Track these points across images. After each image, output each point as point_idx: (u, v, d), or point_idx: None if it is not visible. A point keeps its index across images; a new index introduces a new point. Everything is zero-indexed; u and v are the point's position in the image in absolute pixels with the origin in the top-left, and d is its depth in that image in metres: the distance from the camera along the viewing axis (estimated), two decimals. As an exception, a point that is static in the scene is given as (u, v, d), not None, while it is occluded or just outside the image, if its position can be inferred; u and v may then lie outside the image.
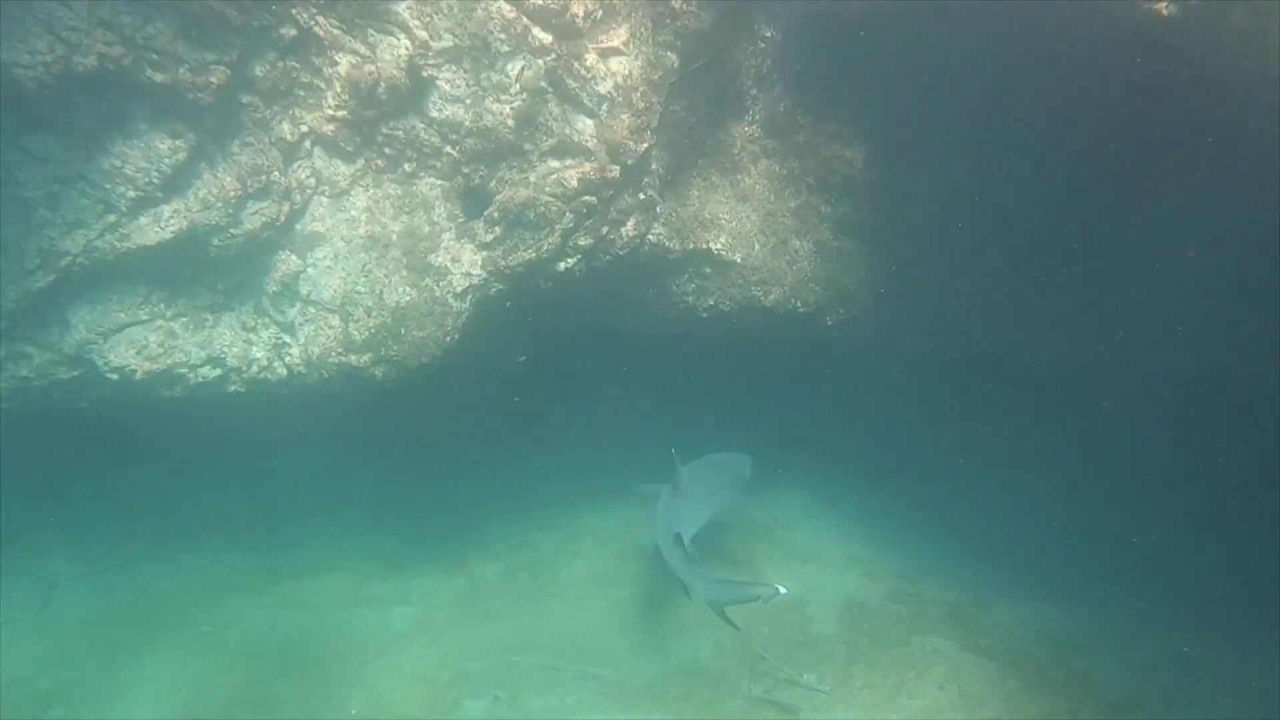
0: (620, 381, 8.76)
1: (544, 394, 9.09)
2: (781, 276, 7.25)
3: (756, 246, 7.18)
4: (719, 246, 7.04)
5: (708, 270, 7.18)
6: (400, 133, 6.53)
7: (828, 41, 6.87)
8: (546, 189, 6.42)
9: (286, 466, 9.57)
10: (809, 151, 7.27)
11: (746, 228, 7.19)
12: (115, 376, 6.52)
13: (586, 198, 6.42)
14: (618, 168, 6.38)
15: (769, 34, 6.96)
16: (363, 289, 6.53)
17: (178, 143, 6.02)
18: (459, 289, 6.62)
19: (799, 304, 7.31)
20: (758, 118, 7.24)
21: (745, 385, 8.87)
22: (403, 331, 6.58)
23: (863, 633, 6.99)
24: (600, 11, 6.24)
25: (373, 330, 6.54)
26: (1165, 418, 7.41)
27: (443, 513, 9.49)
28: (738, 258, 7.11)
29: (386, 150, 6.60)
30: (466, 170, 6.59)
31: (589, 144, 6.38)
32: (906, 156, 7.13)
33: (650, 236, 6.86)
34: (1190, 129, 5.54)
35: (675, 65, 6.46)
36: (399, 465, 9.69)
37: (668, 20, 6.38)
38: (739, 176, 7.29)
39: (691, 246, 7.01)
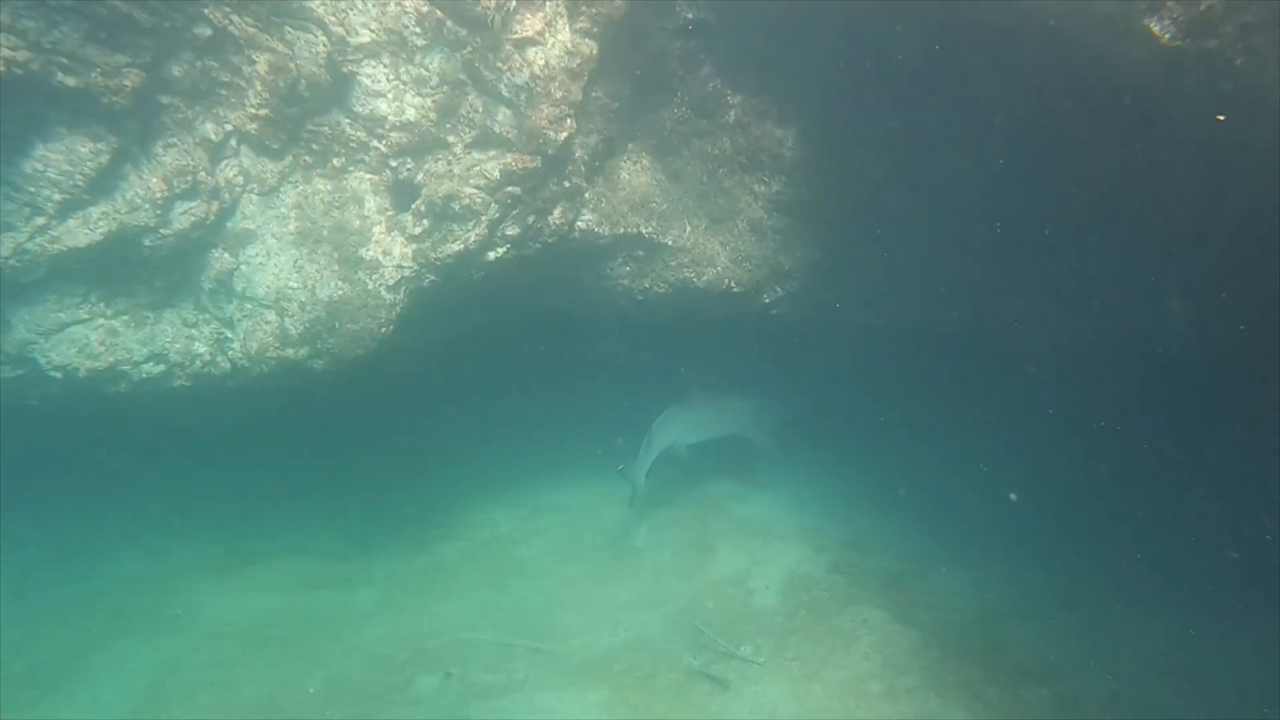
0: (572, 363, 8.88)
1: (498, 377, 9.23)
2: (714, 257, 7.30)
3: (689, 228, 7.22)
4: (649, 230, 7.09)
5: (640, 253, 7.24)
6: (326, 129, 6.59)
7: (751, 20, 6.83)
8: (470, 181, 6.48)
9: (256, 451, 9.80)
10: (740, 131, 7.27)
11: (678, 210, 7.23)
12: (59, 375, 6.68)
13: (510, 188, 6.47)
14: (539, 158, 6.42)
15: (690, 15, 6.92)
16: (295, 284, 6.64)
17: (99, 145, 6.08)
18: (391, 281, 6.71)
19: (733, 284, 7.37)
20: (686, 99, 7.23)
21: (695, 363, 8.96)
22: (337, 325, 6.70)
23: (801, 605, 7.16)
24: (513, 2, 6.23)
25: (308, 325, 6.67)
26: (1092, 382, 7.46)
27: (408, 494, 9.70)
28: (669, 240, 7.16)
29: (314, 146, 6.66)
30: (394, 164, 6.65)
31: (509, 135, 6.42)
32: (839, 132, 7.12)
33: (579, 223, 6.92)
34: (1097, 106, 5.52)
35: (594, 53, 6.45)
36: (366, 448, 9.91)
37: (583, 7, 6.37)
38: (670, 158, 7.31)
39: (622, 231, 7.06)
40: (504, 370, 8.98)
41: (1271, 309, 5.51)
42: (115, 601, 8.58)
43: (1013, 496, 7.16)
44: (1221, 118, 3.84)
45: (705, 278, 7.27)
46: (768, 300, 7.66)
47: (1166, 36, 3.99)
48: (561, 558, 8.50)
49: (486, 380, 8.94)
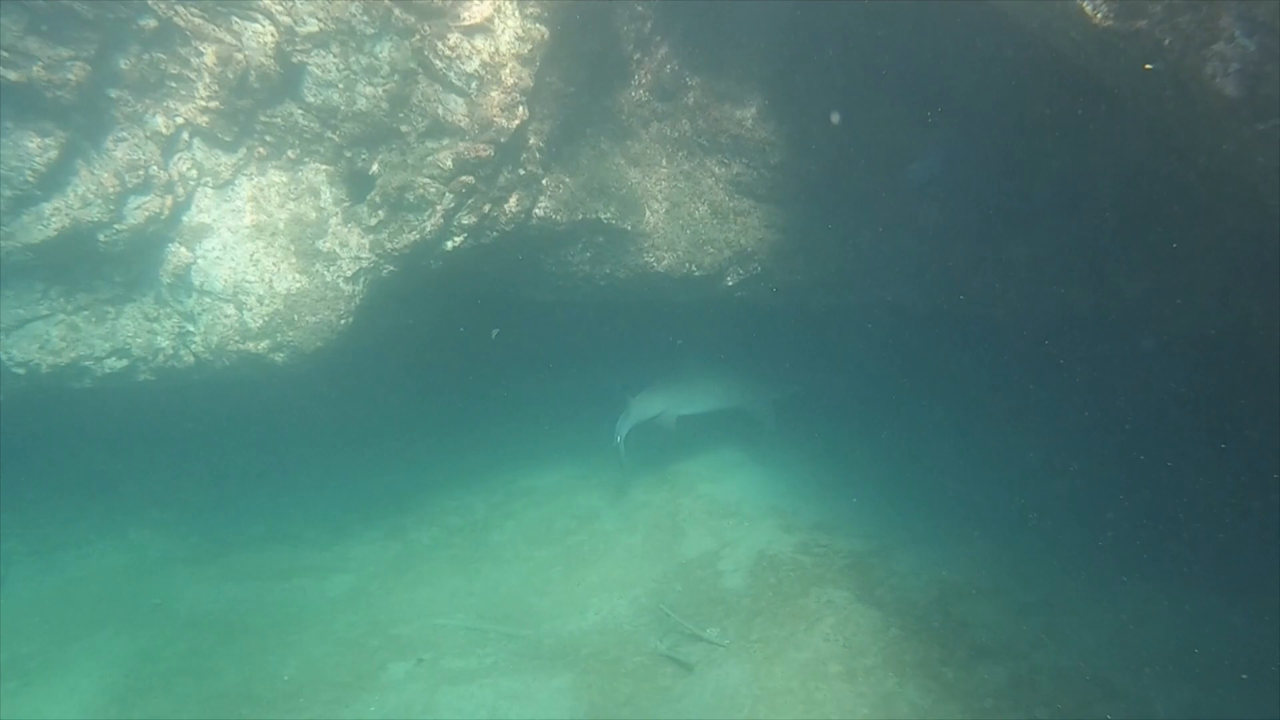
0: (542, 349, 8.88)
1: (469, 364, 9.23)
2: (675, 241, 7.27)
3: (647, 213, 7.19)
4: (608, 216, 7.05)
5: (601, 239, 7.21)
6: (279, 120, 6.54)
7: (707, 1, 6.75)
8: (424, 171, 6.44)
9: (232, 440, 9.85)
10: (700, 112, 7.21)
11: (638, 194, 7.19)
12: (22, 371, 6.70)
13: (464, 177, 6.43)
14: (492, 146, 6.38)
15: (647, -6, 6.84)
16: (253, 278, 6.62)
17: (48, 140, 6.04)
18: (349, 273, 6.70)
19: (694, 268, 7.34)
20: (644, 81, 7.16)
21: (667, 345, 8.96)
22: (296, 318, 6.69)
23: (768, 586, 7.20)
24: (459, -16, 6.15)
25: (267, 318, 6.66)
26: (1053, 361, 7.46)
27: (384, 480, 9.75)
28: (628, 225, 7.12)
29: (268, 138, 6.62)
30: (349, 154, 6.62)
31: (462, 123, 6.37)
32: (797, 113, 7.06)
33: (537, 210, 6.88)
34: (1047, 87, 5.47)
35: (545, 37, 6.38)
36: (342, 436, 9.94)
37: (536, -9, 6.29)
38: (629, 142, 7.25)
39: (580, 217, 7.03)
40: (475, 357, 8.99)
41: (1219, 286, 5.50)
42: (95, 591, 8.67)
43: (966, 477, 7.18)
44: (1149, 66, 3.80)
45: (665, 262, 7.25)
46: (731, 283, 7.64)
47: (1099, 16, 3.94)
48: (533, 542, 8.55)
49: (458, 367, 8.94)
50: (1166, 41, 3.70)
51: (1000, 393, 8.06)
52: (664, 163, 7.30)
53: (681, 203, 7.31)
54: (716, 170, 7.38)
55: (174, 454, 9.68)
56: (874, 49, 6.39)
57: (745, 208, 7.46)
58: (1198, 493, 7.03)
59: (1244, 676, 5.38)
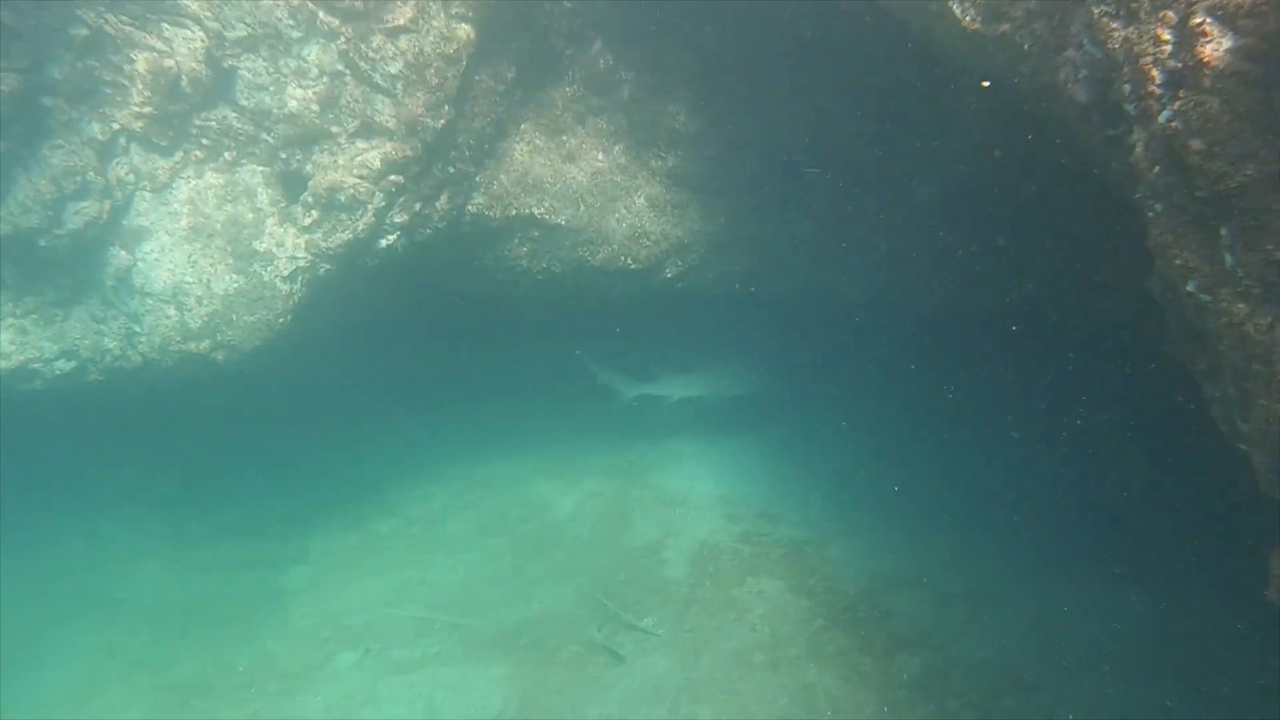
0: (497, 341, 8.97)
1: (428, 358, 9.34)
2: (609, 235, 7.33)
3: (582, 207, 7.25)
4: (541, 211, 7.12)
5: (536, 234, 7.28)
6: (214, 123, 6.63)
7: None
8: (354, 171, 6.53)
9: (201, 435, 10.00)
10: (634, 106, 7.25)
11: (572, 189, 7.25)
12: (-27, 373, 6.84)
13: (393, 177, 6.52)
14: (419, 145, 6.45)
15: (575, -9, 6.86)
16: (190, 279, 6.74)
17: (-15, 150, 6.15)
18: (286, 272, 6.80)
19: (629, 260, 7.41)
20: (578, 77, 7.20)
21: (618, 337, 9.04)
22: (235, 317, 6.81)
23: (707, 575, 7.31)
24: (382, -12, 6.21)
25: (206, 318, 6.78)
26: (983, 351, 7.50)
27: (348, 473, 9.90)
28: (562, 220, 7.19)
29: (204, 141, 6.71)
30: (284, 155, 6.71)
31: (389, 124, 6.45)
32: (731, 106, 7.09)
33: (469, 207, 6.96)
34: (943, 90, 5.50)
35: (471, 36, 6.43)
36: (308, 430, 10.08)
37: (460, -6, 6.33)
38: (564, 137, 7.30)
39: (514, 213, 7.10)
40: (433, 352, 9.09)
41: (1106, 284, 5.53)
42: (64, 587, 8.88)
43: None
44: (986, 84, 3.86)
45: (600, 256, 7.32)
46: (670, 274, 7.70)
47: (967, 19, 3.98)
48: (487, 532, 8.69)
49: (417, 362, 9.06)
50: (1026, 46, 3.73)
51: (934, 384, 8.11)
52: (600, 156, 7.35)
53: (618, 196, 7.37)
54: (653, 163, 7.42)
55: (143, 449, 9.84)
56: (791, 49, 6.41)
57: (682, 200, 7.51)
58: (1115, 487, 7.08)
59: (1152, 668, 5.45)
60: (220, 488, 9.94)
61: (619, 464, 9.30)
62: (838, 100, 7.07)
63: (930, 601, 6.38)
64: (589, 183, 7.31)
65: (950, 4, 4.00)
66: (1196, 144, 2.50)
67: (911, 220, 7.02)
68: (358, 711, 6.62)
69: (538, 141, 7.24)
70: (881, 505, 7.78)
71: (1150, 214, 2.90)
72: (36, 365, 6.96)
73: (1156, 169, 2.79)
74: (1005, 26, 3.82)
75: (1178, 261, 2.78)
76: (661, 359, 9.22)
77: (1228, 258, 2.59)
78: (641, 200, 7.45)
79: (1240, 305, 2.59)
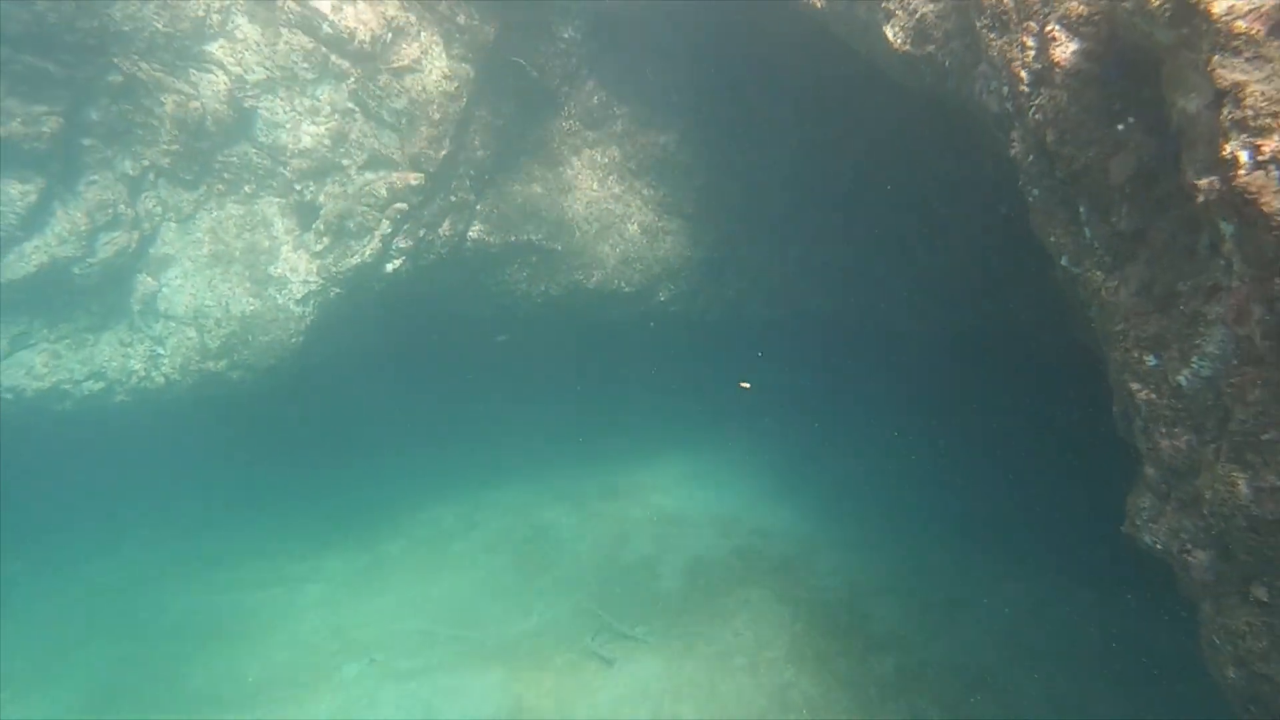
0: (500, 367, 9.36)
1: (441, 381, 9.74)
2: (604, 260, 7.73)
3: (577, 234, 7.66)
4: (539, 237, 7.55)
5: (534, 259, 7.70)
6: (235, 159, 7.18)
7: (625, 38, 7.27)
8: (362, 200, 7.02)
9: (218, 460, 10.45)
10: (627, 139, 7.70)
11: (568, 216, 7.68)
12: (10, 396, 7.35)
13: (398, 205, 6.99)
14: (422, 175, 6.93)
15: (568, 34, 7.37)
16: (210, 302, 7.23)
17: (27, 187, 6.74)
18: (299, 295, 7.27)
19: (623, 284, 7.79)
20: (574, 112, 7.68)
21: (617, 360, 9.38)
22: (250, 338, 7.28)
23: (698, 588, 7.53)
24: (389, 35, 6.76)
25: (224, 339, 7.26)
26: (962, 367, 7.72)
27: (360, 495, 10.27)
28: (558, 246, 7.61)
29: (225, 175, 7.26)
30: (299, 187, 7.22)
31: (395, 156, 6.94)
32: (717, 137, 7.51)
33: (470, 234, 7.41)
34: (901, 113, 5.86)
35: (471, 75, 6.94)
36: (317, 453, 10.50)
37: (456, 35, 6.86)
38: (561, 169, 7.76)
39: (514, 239, 7.53)
40: (441, 375, 9.50)
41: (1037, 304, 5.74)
42: (89, 608, 9.28)
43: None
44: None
45: (595, 280, 7.71)
46: (663, 298, 8.06)
47: (898, 42, 4.35)
48: (491, 551, 8.97)
49: (426, 385, 9.47)
50: (947, 63, 4.09)
51: (925, 403, 8.33)
52: (595, 186, 7.78)
53: (611, 224, 7.78)
54: (645, 192, 7.84)
55: (164, 473, 10.29)
56: (762, 80, 6.83)
57: (674, 227, 7.91)
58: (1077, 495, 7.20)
59: (1116, 670, 5.57)
60: (239, 511, 10.35)
61: (621, 485, 9.57)
62: (821, 130, 7.47)
63: (908, 607, 6.54)
64: (584, 211, 7.74)
65: (884, 29, 4.38)
66: (1052, 133, 2.82)
67: (891, 244, 7.34)
68: (359, 713, 6.87)
69: (535, 172, 7.71)
70: (870, 519, 7.97)
71: (1030, 199, 3.21)
72: (67, 386, 7.46)
73: (1030, 158, 3.10)
74: (930, 47, 4.18)
75: (1052, 239, 3.08)
76: (657, 381, 9.54)
77: (1086, 232, 2.89)
78: (634, 227, 7.86)
79: (1098, 273, 2.87)
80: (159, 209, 7.24)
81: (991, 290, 6.96)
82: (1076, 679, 5.61)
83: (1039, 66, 2.91)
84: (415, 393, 9.49)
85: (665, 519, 8.91)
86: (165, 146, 7.02)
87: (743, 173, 7.55)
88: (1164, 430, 2.83)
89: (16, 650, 8.63)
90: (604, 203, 7.79)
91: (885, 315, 7.68)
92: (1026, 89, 3.00)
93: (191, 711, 7.38)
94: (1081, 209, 2.89)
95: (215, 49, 6.80)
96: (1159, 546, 2.88)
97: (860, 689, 5.75)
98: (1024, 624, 6.19)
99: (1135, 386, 2.91)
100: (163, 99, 6.91)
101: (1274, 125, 2.14)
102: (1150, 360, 2.84)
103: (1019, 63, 3.01)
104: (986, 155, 5.26)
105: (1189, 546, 2.76)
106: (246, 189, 7.30)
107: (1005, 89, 3.18)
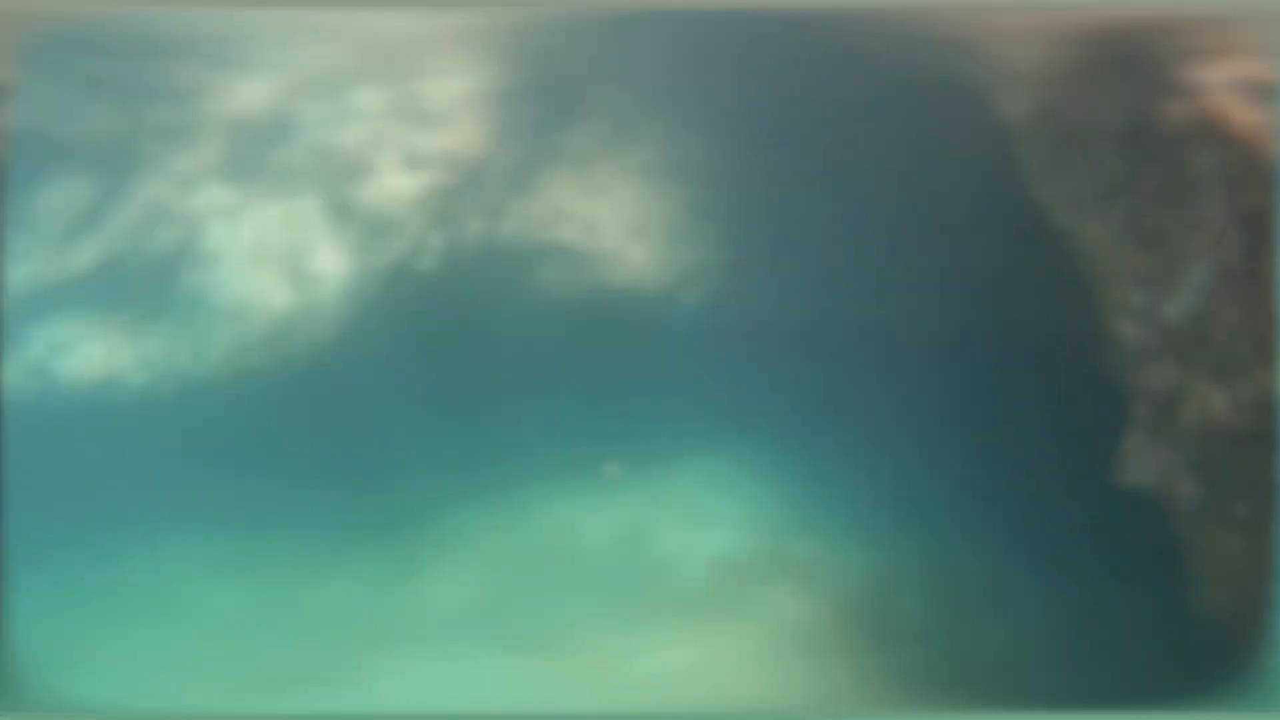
0: (530, 367, 9.47)
1: (473, 381, 9.90)
2: (629, 260, 7.88)
3: (603, 235, 7.83)
4: (567, 238, 7.74)
5: (561, 259, 7.88)
6: (277, 159, 7.53)
7: (649, 42, 7.49)
8: (398, 199, 7.29)
9: (256, 458, 10.66)
10: (653, 142, 7.88)
11: (596, 217, 7.86)
12: (68, 385, 7.74)
13: (432, 204, 7.25)
14: (456, 176, 7.19)
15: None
16: (253, 298, 7.54)
17: (85, 184, 7.17)
18: (335, 291, 7.55)
19: (650, 285, 7.92)
20: (604, 116, 7.90)
21: (634, 364, 9.44)
22: (289, 332, 7.56)
23: (718, 583, 7.53)
24: (426, 38, 7.07)
25: (265, 333, 7.55)
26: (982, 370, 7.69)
27: (390, 494, 10.40)
28: (585, 247, 7.78)
29: (269, 175, 7.61)
30: (337, 186, 7.53)
31: (428, 157, 7.22)
32: (739, 141, 7.66)
33: (501, 233, 7.62)
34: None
35: (503, 78, 7.22)
36: (353, 453, 10.69)
37: (491, 40, 7.15)
38: (591, 173, 7.96)
39: (543, 239, 7.73)
40: (473, 374, 9.64)
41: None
42: (131, 602, 9.53)
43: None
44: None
45: (622, 280, 7.85)
46: (689, 300, 8.16)
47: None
48: (515, 549, 9.04)
49: (457, 383, 9.62)
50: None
51: (949, 401, 8.23)
52: (622, 189, 7.96)
53: (636, 225, 7.94)
54: (673, 194, 7.99)
55: (204, 472, 10.54)
56: (782, 89, 6.99)
57: (700, 229, 8.03)
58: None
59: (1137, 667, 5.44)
60: (274, 508, 10.56)
61: (643, 485, 9.57)
62: (848, 135, 7.55)
63: (933, 602, 6.45)
64: (613, 213, 7.91)
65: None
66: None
67: (912, 251, 7.37)
68: (392, 701, 6.98)
69: (565, 174, 7.92)
70: (899, 512, 7.86)
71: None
72: (118, 377, 7.81)
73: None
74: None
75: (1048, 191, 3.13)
76: (679, 381, 9.55)
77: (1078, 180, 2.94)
78: (658, 229, 8.00)
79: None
80: (206, 207, 7.60)
81: (1004, 290, 6.94)
82: (1105, 677, 5.48)
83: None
84: (446, 392, 9.64)
85: (689, 519, 8.89)
86: (216, 147, 7.40)
87: (769, 175, 7.66)
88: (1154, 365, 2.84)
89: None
90: (629, 205, 7.96)
91: (909, 317, 7.69)
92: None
93: (216, 696, 7.53)
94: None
95: (261, 55, 7.18)
96: (1148, 481, 2.87)
97: (886, 680, 5.71)
98: (1052, 618, 6.06)
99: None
100: (212, 102, 7.30)
101: None
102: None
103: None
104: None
105: (1175, 479, 2.75)
106: (288, 187, 7.62)
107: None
